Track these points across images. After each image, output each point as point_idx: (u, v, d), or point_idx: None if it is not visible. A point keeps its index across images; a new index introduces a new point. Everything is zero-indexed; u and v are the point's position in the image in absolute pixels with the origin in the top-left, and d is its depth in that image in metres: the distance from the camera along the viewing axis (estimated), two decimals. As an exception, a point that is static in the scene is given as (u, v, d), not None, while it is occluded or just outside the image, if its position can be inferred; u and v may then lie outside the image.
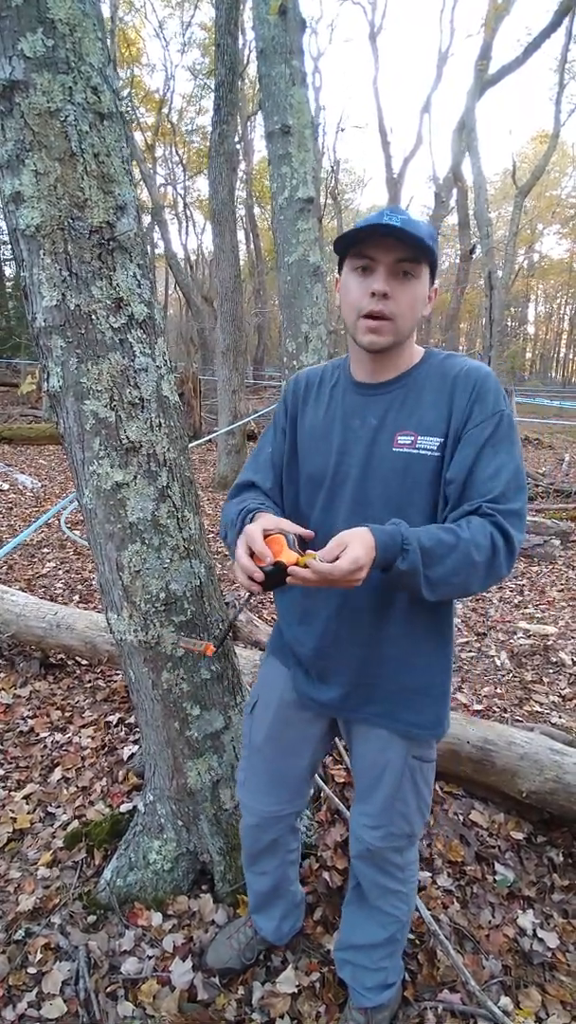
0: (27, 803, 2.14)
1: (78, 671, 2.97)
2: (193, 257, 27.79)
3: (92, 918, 1.71)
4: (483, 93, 9.51)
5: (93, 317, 1.28)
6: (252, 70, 17.32)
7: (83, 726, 2.53)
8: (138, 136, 19.80)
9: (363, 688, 1.21)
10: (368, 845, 1.30)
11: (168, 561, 1.47)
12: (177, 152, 23.38)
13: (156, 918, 1.71)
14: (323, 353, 4.55)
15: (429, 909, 1.75)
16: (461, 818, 2.10)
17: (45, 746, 2.41)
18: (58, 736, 2.46)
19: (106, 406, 1.32)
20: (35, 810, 2.12)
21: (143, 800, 1.80)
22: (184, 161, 23.60)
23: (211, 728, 1.66)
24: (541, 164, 12.64)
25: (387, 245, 1.02)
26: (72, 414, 1.34)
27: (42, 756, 2.36)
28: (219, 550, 4.95)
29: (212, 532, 5.49)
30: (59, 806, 2.13)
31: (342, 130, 23.50)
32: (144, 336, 1.36)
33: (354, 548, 0.94)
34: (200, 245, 29.77)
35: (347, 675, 1.22)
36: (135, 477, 1.38)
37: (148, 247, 1.23)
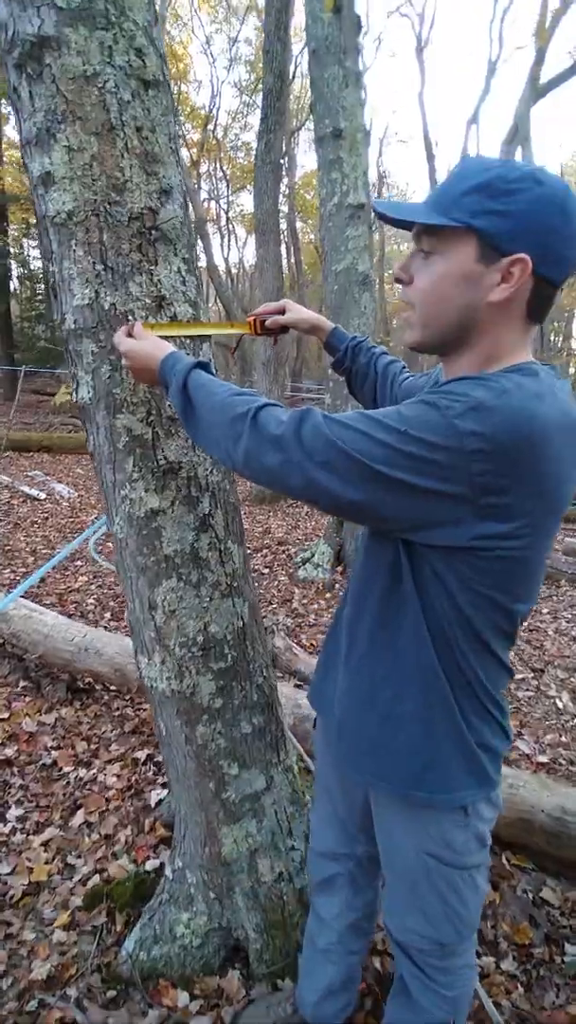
0: (45, 851, 1.96)
1: (106, 697, 2.79)
2: (234, 271, 28.01)
3: (112, 993, 1.51)
4: (537, 100, 9.28)
5: (130, 318, 1.10)
6: (297, 85, 17.43)
7: (109, 761, 2.35)
8: (184, 152, 20.06)
9: (338, 714, 1.05)
10: (391, 933, 1.10)
11: (208, 600, 1.27)
12: (222, 168, 23.63)
13: (183, 998, 1.50)
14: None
15: (491, 996, 1.52)
16: (530, 895, 1.84)
17: (68, 783, 2.24)
18: (82, 772, 2.29)
19: (142, 421, 1.14)
20: (54, 859, 1.94)
21: (171, 865, 1.59)
22: (228, 176, 23.85)
23: (251, 789, 1.45)
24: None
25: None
26: (103, 430, 1.16)
27: (64, 795, 2.19)
28: (267, 586, 4.69)
29: (257, 568, 5.18)
30: (80, 856, 1.94)
31: (387, 144, 23.34)
32: (188, 341, 1.18)
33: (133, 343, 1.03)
34: (241, 258, 30.02)
35: (334, 693, 1.06)
36: (173, 503, 1.19)
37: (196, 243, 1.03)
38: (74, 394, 1.17)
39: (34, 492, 7.06)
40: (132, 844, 1.97)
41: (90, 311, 1.09)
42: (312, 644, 3.54)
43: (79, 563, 4.75)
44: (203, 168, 22.96)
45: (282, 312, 1.33)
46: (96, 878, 1.85)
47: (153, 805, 2.08)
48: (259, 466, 0.83)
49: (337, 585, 4.54)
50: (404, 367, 1.32)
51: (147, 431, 1.15)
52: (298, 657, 2.99)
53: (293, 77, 15.18)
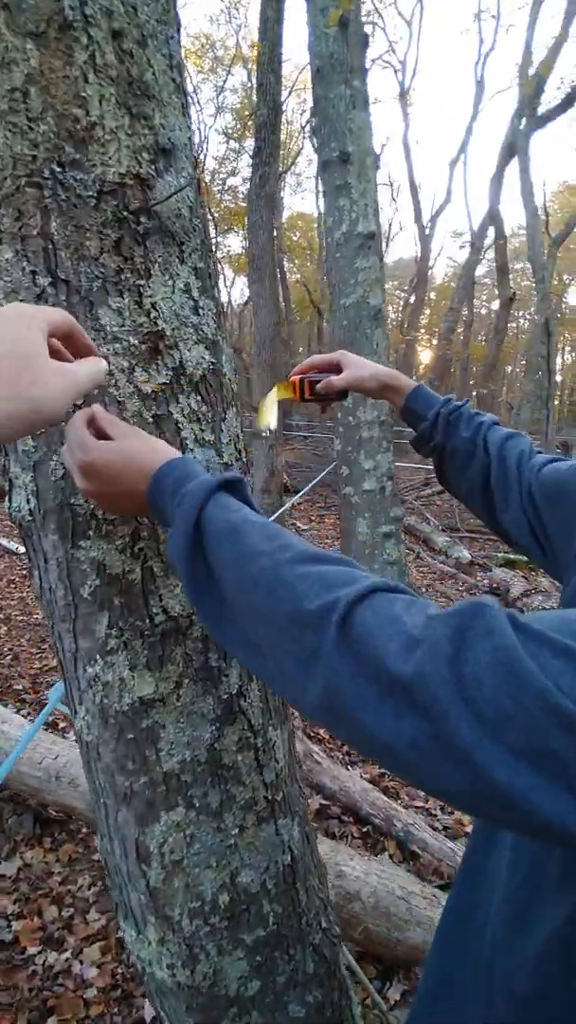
0: None
1: (84, 831, 2.22)
2: (224, 310, 28.18)
3: None
4: (533, 132, 9.27)
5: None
6: (283, 132, 17.64)
7: (87, 938, 1.77)
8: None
9: None
10: None
11: (235, 832, 0.76)
12: (210, 210, 23.91)
13: None
14: (382, 408, 3.92)
15: None
16: None
17: (34, 973, 1.66)
18: (51, 956, 1.71)
19: (123, 551, 0.65)
20: None
21: None
22: (216, 219, 24.10)
23: None
24: (575, 215, 12.58)
25: None
26: (55, 565, 0.66)
27: (30, 990, 1.61)
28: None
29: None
30: None
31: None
32: (203, 408, 0.69)
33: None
34: (230, 298, 30.21)
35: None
36: (178, 686, 0.69)
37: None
38: (7, 503, 0.68)
39: (14, 545, 6.49)
40: None
41: (29, 361, 0.60)
42: (331, 737, 2.99)
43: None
44: (191, 210, 23.19)
45: (337, 370, 0.86)
46: None
47: (148, 1021, 1.51)
48: (360, 729, 0.35)
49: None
50: (531, 444, 0.84)
51: (133, 568, 0.65)
52: (321, 765, 2.44)
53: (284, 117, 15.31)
